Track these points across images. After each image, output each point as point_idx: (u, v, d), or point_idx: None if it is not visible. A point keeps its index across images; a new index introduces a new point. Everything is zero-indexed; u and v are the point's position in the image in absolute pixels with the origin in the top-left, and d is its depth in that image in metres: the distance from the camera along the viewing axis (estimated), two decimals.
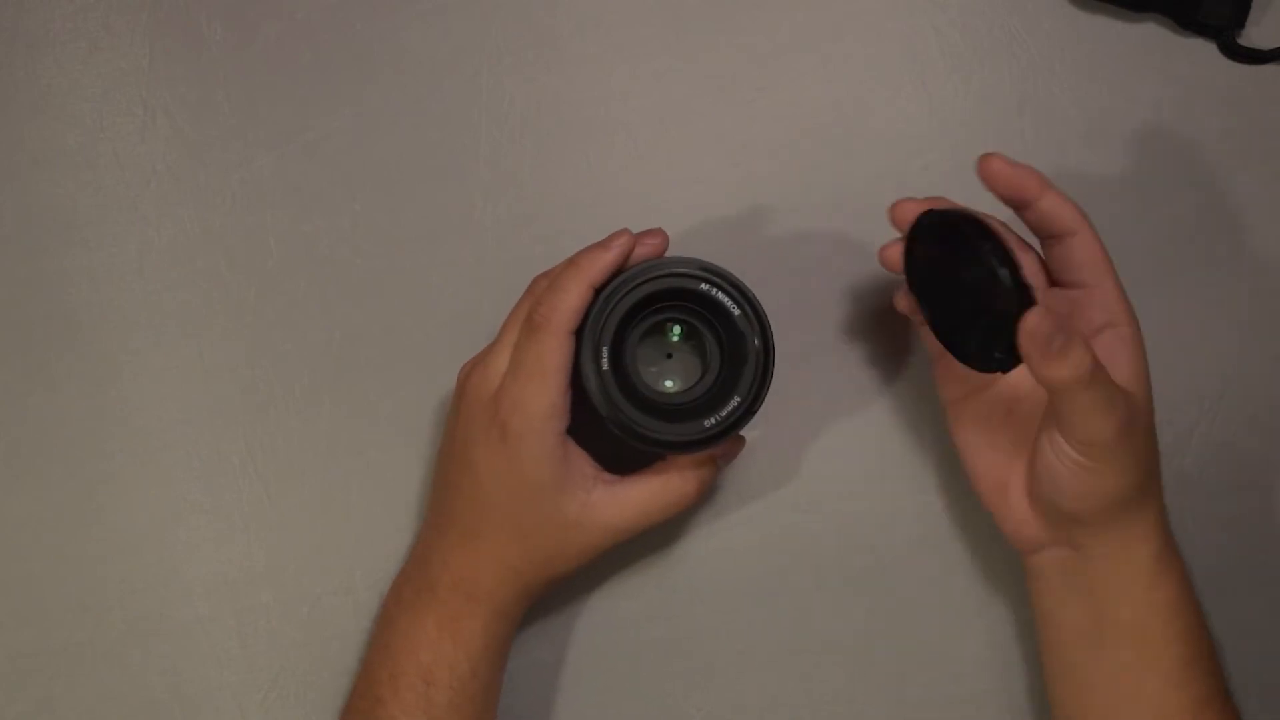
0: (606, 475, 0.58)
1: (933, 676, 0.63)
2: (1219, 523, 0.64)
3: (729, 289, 0.55)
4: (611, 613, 0.65)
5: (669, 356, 0.59)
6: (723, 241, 0.66)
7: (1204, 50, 0.67)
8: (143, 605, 0.66)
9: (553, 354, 0.55)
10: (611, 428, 0.56)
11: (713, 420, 0.55)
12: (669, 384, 0.59)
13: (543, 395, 0.55)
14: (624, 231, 0.57)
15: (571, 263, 0.56)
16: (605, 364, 0.55)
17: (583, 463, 0.57)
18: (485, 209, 0.67)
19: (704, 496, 0.59)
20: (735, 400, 0.55)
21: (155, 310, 0.67)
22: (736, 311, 0.55)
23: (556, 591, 0.64)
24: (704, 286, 0.55)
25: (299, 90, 0.68)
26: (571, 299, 0.55)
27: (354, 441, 0.66)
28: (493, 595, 0.58)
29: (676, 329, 0.58)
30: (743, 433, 0.57)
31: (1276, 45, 0.66)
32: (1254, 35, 0.67)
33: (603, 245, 0.56)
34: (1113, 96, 0.66)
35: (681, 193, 0.67)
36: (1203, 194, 0.66)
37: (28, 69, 0.69)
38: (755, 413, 0.56)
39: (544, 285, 0.58)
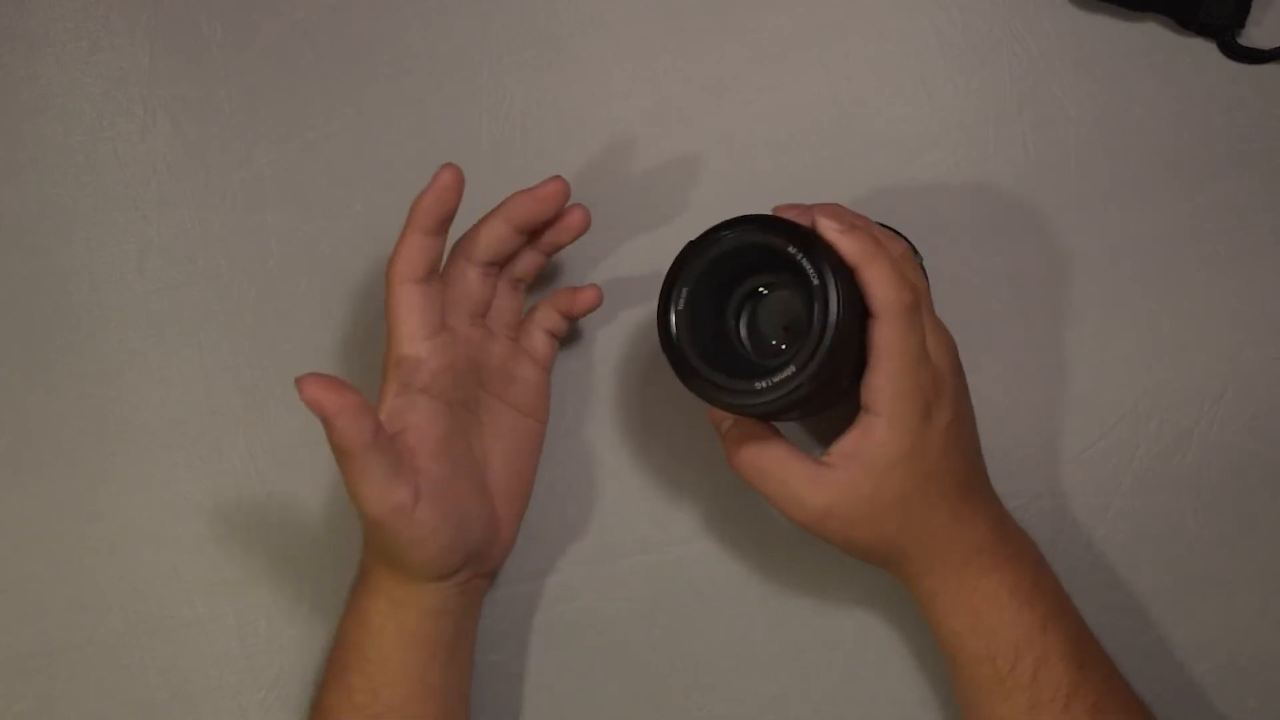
0: None
1: (932, 676, 0.63)
2: (1219, 523, 0.64)
3: (815, 258, 0.52)
4: (612, 612, 0.65)
5: (785, 328, 0.58)
6: None
7: (1204, 50, 0.67)
8: (143, 605, 0.66)
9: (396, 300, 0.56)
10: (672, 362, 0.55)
11: (764, 383, 0.52)
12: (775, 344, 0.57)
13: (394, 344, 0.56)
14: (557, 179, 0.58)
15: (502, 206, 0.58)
16: (682, 304, 0.54)
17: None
18: (486, 209, 0.67)
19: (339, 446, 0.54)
20: (790, 369, 0.51)
21: (155, 310, 0.67)
22: (815, 281, 0.52)
23: (546, 590, 0.64)
24: (790, 249, 0.52)
25: (299, 90, 0.68)
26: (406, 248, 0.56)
27: None
28: (372, 573, 0.58)
29: (763, 290, 0.57)
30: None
31: (1276, 45, 0.66)
32: (1254, 35, 0.67)
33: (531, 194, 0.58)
34: (1113, 96, 0.66)
35: (682, 192, 0.67)
36: (1203, 194, 0.66)
37: (28, 69, 0.69)
38: (807, 386, 0.52)
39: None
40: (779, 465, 0.55)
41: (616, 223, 0.66)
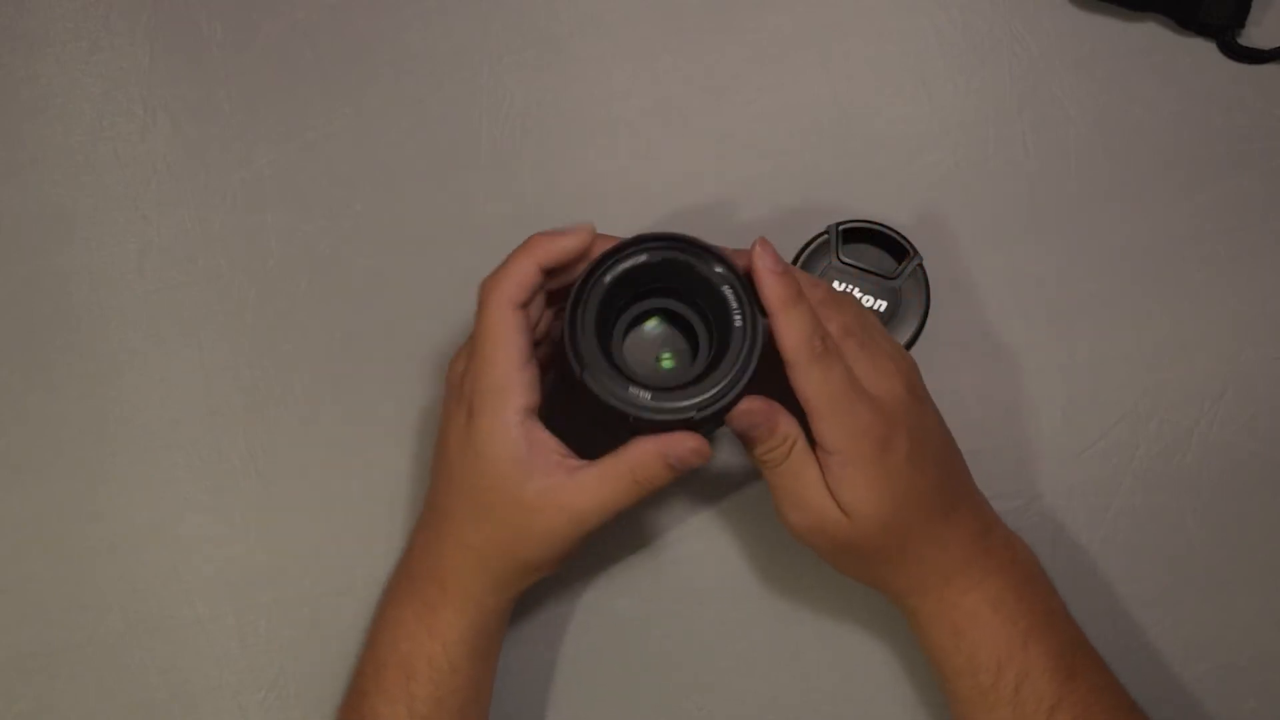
0: (572, 460, 0.56)
1: (930, 678, 0.63)
2: (1219, 523, 0.64)
3: (719, 263, 0.54)
4: (611, 612, 0.65)
5: (660, 356, 0.59)
6: (722, 242, 0.66)
7: (1204, 50, 0.67)
8: (143, 605, 0.66)
9: (496, 326, 0.54)
10: (590, 394, 0.54)
11: (697, 399, 0.53)
12: (665, 365, 0.58)
13: (494, 368, 0.54)
14: (587, 224, 0.56)
15: (524, 242, 0.56)
16: (588, 330, 0.54)
17: (548, 444, 0.55)
18: (485, 209, 0.67)
19: (661, 488, 0.55)
20: (722, 383, 0.53)
21: (155, 310, 0.67)
22: (728, 293, 0.53)
23: (547, 588, 0.64)
24: (691, 260, 0.54)
25: (299, 90, 0.68)
26: (514, 273, 0.54)
27: (354, 441, 0.66)
28: (461, 582, 0.57)
29: (653, 320, 0.57)
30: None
31: (1276, 45, 0.66)
32: (1254, 35, 0.67)
33: (559, 230, 0.55)
34: (1113, 96, 0.66)
35: (682, 192, 0.67)
36: (1203, 194, 0.66)
37: (28, 69, 0.69)
38: (740, 389, 0.53)
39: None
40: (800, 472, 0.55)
41: (616, 223, 0.66)
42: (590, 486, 0.55)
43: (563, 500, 0.55)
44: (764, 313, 0.53)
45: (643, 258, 0.54)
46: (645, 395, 0.53)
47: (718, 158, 0.67)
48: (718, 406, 0.53)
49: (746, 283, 0.54)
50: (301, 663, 0.65)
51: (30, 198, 0.68)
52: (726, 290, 0.54)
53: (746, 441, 0.56)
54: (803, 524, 0.56)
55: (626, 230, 0.66)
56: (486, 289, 0.55)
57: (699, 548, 0.65)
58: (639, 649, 0.65)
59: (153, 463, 0.66)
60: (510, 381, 0.54)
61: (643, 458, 0.54)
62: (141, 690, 0.65)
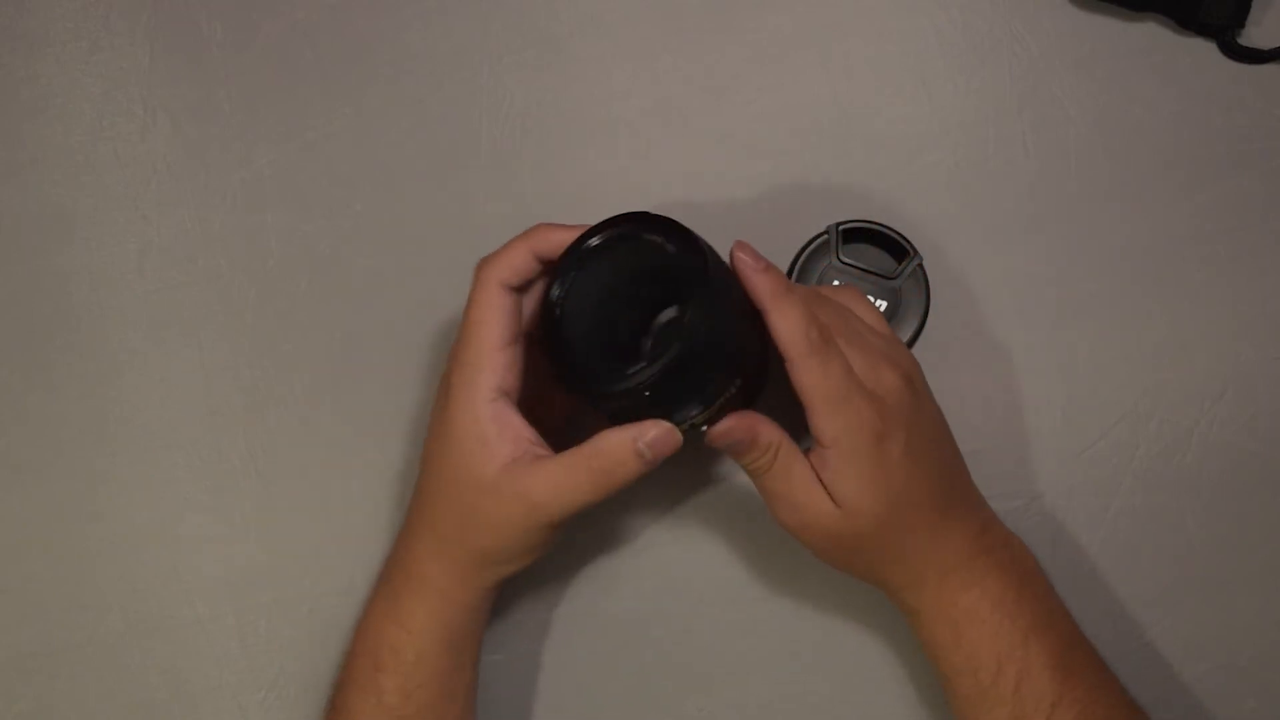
0: (542, 449, 0.54)
1: (930, 678, 0.63)
2: (1219, 523, 0.64)
3: (671, 235, 0.53)
4: (612, 612, 0.65)
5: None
6: (722, 241, 0.66)
7: (1204, 50, 0.67)
8: (143, 605, 0.66)
9: (481, 303, 0.54)
10: (548, 359, 0.53)
11: (640, 365, 0.51)
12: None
13: (473, 344, 0.54)
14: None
15: (528, 230, 0.55)
16: (557, 302, 0.53)
17: (518, 429, 0.54)
18: (485, 209, 0.67)
19: (630, 481, 0.53)
20: (667, 354, 0.50)
21: (155, 310, 0.67)
22: (672, 249, 0.52)
23: (548, 590, 0.64)
24: (671, 248, 0.53)
25: (299, 90, 0.68)
26: (511, 256, 0.54)
27: (354, 441, 0.66)
28: (422, 568, 0.57)
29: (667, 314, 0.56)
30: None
31: (1276, 45, 0.66)
32: (1254, 35, 0.67)
33: (561, 225, 0.55)
34: (1113, 96, 0.66)
35: (682, 192, 0.67)
36: (1203, 194, 0.66)
37: (28, 69, 0.69)
38: (707, 337, 0.51)
39: None
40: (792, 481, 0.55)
41: None
42: (551, 475, 0.53)
43: (520, 487, 0.53)
44: (744, 291, 0.52)
45: (596, 240, 0.54)
46: (613, 371, 0.51)
47: (718, 158, 0.67)
48: (658, 375, 0.50)
49: (711, 251, 0.53)
50: (301, 663, 0.65)
51: (30, 198, 0.68)
52: (691, 260, 0.52)
53: (733, 455, 0.56)
54: (796, 522, 0.56)
55: None
56: (479, 267, 0.55)
57: (698, 548, 0.65)
58: (639, 650, 0.65)
59: (153, 463, 0.66)
60: (486, 359, 0.54)
61: (607, 445, 0.53)
62: (141, 690, 0.65)
